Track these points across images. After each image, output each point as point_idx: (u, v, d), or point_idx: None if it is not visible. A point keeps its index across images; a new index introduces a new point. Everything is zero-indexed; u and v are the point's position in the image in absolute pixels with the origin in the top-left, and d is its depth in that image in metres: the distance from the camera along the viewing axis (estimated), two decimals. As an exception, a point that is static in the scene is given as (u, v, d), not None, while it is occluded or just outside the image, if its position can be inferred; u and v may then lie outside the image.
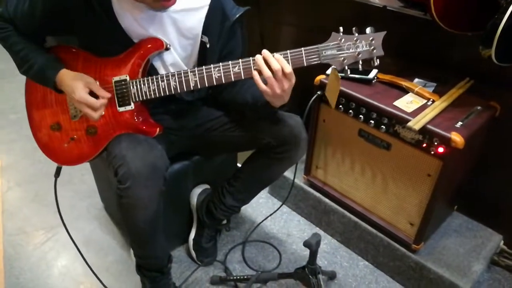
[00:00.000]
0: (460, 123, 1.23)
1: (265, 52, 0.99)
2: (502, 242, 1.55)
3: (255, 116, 1.25)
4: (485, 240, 1.51)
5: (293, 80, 1.01)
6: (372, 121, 1.35)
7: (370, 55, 0.98)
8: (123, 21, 1.08)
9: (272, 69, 0.98)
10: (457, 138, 1.16)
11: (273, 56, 0.98)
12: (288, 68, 0.98)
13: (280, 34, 2.10)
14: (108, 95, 1.11)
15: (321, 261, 1.58)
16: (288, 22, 2.04)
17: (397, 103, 1.31)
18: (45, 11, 1.06)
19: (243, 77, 1.03)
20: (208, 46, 1.16)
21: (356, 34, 0.97)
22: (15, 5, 1.09)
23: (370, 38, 0.97)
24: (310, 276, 1.29)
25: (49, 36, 1.20)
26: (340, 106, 1.42)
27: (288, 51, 0.99)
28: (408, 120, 1.24)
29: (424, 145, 1.24)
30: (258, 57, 0.99)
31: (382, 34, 0.97)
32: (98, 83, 1.11)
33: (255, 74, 1.01)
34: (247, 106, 1.20)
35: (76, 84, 1.08)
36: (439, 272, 1.37)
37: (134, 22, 1.08)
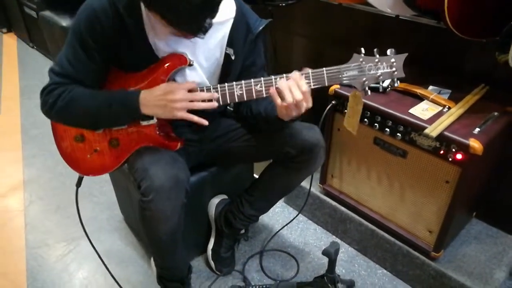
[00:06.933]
0: (477, 129, 1.22)
1: (295, 75, 1.00)
2: (523, 248, 1.52)
3: (268, 129, 1.26)
4: (506, 247, 1.49)
5: (310, 103, 1.01)
6: (388, 129, 1.36)
7: (390, 77, 0.99)
8: (153, 41, 1.08)
9: (294, 96, 0.98)
10: (475, 144, 1.16)
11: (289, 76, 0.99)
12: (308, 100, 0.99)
13: (292, 45, 2.13)
14: (194, 85, 1.08)
15: (339, 270, 1.58)
16: (301, 33, 2.06)
17: (412, 110, 1.32)
18: (92, 42, 1.04)
19: (264, 95, 1.05)
20: (233, 58, 1.18)
21: (377, 56, 0.97)
22: (64, 57, 1.07)
23: (392, 60, 0.97)
24: (329, 285, 1.29)
25: (105, 70, 1.13)
26: (355, 115, 1.43)
27: (310, 71, 1.00)
28: (425, 128, 1.24)
29: (442, 152, 1.24)
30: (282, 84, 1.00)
31: (403, 56, 0.97)
32: None
33: (273, 91, 1.01)
34: (261, 118, 1.21)
35: (170, 88, 1.06)
36: (460, 280, 1.35)
37: (162, 41, 1.09)
